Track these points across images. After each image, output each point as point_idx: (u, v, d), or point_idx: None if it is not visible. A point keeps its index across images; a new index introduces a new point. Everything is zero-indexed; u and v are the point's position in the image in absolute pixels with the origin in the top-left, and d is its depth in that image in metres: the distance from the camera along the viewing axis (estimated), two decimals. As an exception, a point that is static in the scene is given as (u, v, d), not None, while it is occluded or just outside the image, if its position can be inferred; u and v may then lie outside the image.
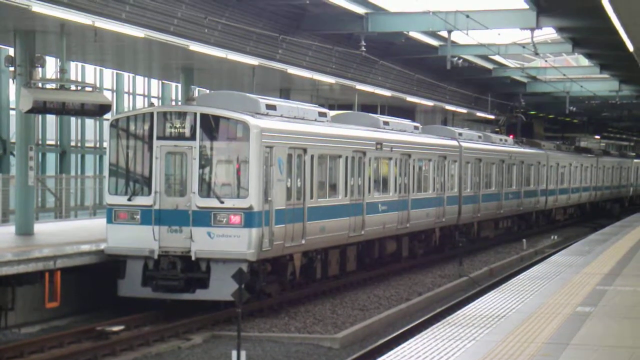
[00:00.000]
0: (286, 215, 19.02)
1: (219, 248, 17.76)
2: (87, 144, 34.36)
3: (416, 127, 29.12)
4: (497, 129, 50.20)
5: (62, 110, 20.64)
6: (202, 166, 18.06)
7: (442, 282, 25.27)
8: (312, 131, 20.75)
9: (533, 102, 51.83)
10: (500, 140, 38.44)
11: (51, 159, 32.44)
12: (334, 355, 16.06)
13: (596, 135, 73.10)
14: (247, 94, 20.38)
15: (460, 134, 32.98)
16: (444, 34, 29.01)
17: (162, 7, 21.72)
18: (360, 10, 26.82)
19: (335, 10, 26.71)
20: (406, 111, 42.13)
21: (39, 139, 30.89)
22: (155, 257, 17.98)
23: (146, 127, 18.32)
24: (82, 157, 34.17)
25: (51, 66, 26.18)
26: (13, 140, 23.50)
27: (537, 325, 11.87)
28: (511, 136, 42.93)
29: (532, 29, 26.94)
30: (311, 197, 20.25)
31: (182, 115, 18.19)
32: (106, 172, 19.09)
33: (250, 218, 17.77)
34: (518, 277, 17.33)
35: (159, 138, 18.20)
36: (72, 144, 33.27)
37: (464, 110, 45.59)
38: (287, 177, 19.14)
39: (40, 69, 21.44)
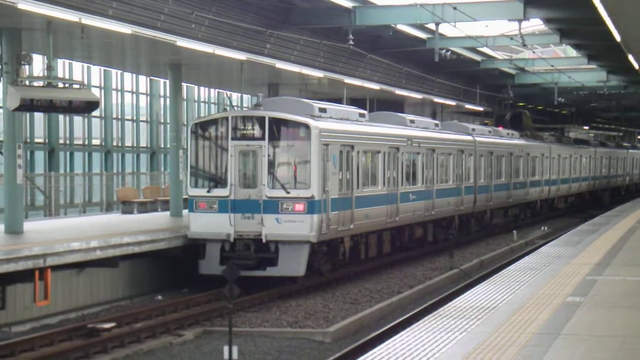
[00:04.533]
0: (339, 204, 21.85)
1: (286, 232, 20.58)
2: (75, 142, 34.21)
3: (436, 125, 32.03)
4: (486, 121, 50.51)
5: (50, 108, 20.54)
6: (270, 162, 20.85)
7: (433, 274, 25.30)
8: (358, 130, 23.78)
9: (522, 94, 51.89)
10: (508, 134, 41.17)
11: (39, 156, 32.27)
12: (325, 349, 16.07)
13: (585, 126, 73.24)
14: (303, 99, 23.60)
15: (473, 130, 35.99)
16: (432, 26, 29.01)
17: (148, 3, 21.64)
18: (347, 3, 26.80)
19: (323, 4, 26.67)
20: (395, 104, 42.11)
21: (27, 137, 30.72)
22: (231, 240, 20.79)
23: (222, 129, 21.17)
24: (71, 154, 34.01)
25: (38, 64, 26.07)
26: (1, 138, 23.41)
27: (527, 316, 11.89)
28: (500, 127, 43.29)
29: (520, 21, 26.96)
30: (357, 188, 23.10)
31: (253, 119, 21.04)
32: (187, 169, 22.05)
33: (312, 206, 20.61)
34: (508, 268, 17.35)
35: (233, 139, 21.05)
36: (61, 141, 33.13)
37: (452, 103, 45.62)
38: (339, 170, 21.93)
39: (27, 67, 21.36)
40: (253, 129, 20.91)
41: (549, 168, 45.81)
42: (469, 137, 34.21)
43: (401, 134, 26.96)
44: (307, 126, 20.86)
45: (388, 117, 28.37)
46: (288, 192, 20.65)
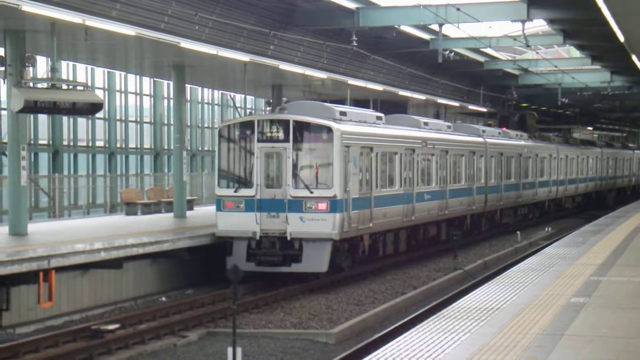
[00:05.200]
0: (359, 203, 22.77)
1: (310, 230, 21.45)
2: (79, 143, 34.26)
3: (448, 127, 33.31)
4: (490, 122, 50.55)
5: (54, 110, 20.57)
6: (294, 163, 21.76)
7: (437, 275, 25.29)
8: (376, 132, 24.84)
9: (525, 94, 51.85)
10: (517, 135, 42.33)
11: (44, 158, 32.32)
12: (329, 351, 16.07)
13: (588, 126, 73.20)
14: (324, 103, 24.68)
15: (483, 131, 37.29)
16: (435, 27, 28.98)
17: (152, 4, 21.66)
18: (351, 5, 26.80)
19: (326, 5, 26.68)
20: (399, 105, 42.10)
21: (31, 138, 30.78)
22: (257, 237, 21.67)
23: (248, 132, 22.06)
24: (75, 156, 34.07)
25: (42, 65, 26.09)
26: (5, 140, 23.43)
27: (531, 317, 11.89)
28: (503, 128, 43.42)
29: (523, 21, 26.95)
30: (376, 188, 24.08)
31: (278, 122, 21.95)
32: (215, 170, 22.77)
33: (334, 205, 21.53)
34: (512, 269, 17.34)
35: (259, 141, 21.92)
36: (65, 143, 33.17)
37: (456, 104, 45.61)
38: (359, 171, 22.86)
39: (31, 69, 21.35)
40: (278, 132, 21.83)
41: (556, 169, 46.87)
42: (480, 139, 35.21)
43: (416, 135, 27.99)
44: (329, 129, 21.77)
45: (403, 120, 29.40)
46: (311, 192, 21.54)
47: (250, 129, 21.98)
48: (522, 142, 41.70)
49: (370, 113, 26.29)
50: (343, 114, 23.68)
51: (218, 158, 22.53)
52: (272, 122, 21.98)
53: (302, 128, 21.83)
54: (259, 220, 21.67)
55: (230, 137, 22.31)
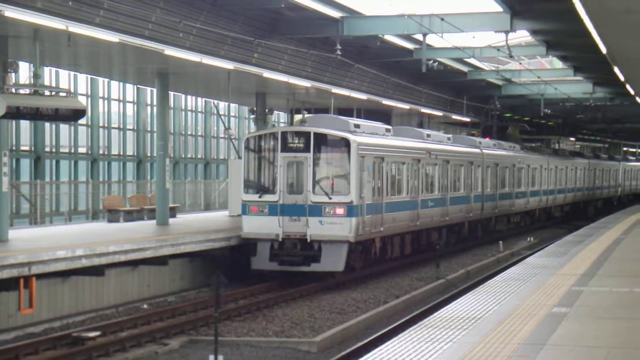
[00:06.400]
0: (372, 209, 24.74)
1: (328, 232, 23.38)
2: (61, 150, 34.09)
3: (448, 138, 35.39)
4: (473, 132, 50.76)
5: (36, 116, 20.46)
6: (314, 171, 23.75)
7: (419, 284, 25.31)
8: (387, 144, 26.99)
9: (508, 105, 52.06)
10: (510, 147, 44.55)
11: (25, 164, 32.13)
12: (312, 359, 16.03)
13: (571, 137, 73.55)
14: (339, 116, 26.76)
15: (480, 142, 39.43)
16: (419, 37, 29.04)
17: (136, 11, 21.60)
18: (335, 13, 26.82)
19: (311, 14, 26.69)
20: (382, 114, 42.15)
21: (12, 144, 30.60)
22: (280, 239, 23.57)
23: (272, 143, 24.08)
24: (57, 162, 33.89)
25: (25, 71, 25.98)
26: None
27: (513, 326, 11.90)
28: (487, 138, 43.74)
29: (507, 32, 27.04)
30: (387, 195, 26.08)
31: (300, 134, 24.00)
32: (241, 177, 24.61)
33: (351, 210, 23.43)
34: (494, 278, 17.37)
35: (282, 151, 23.94)
36: (47, 149, 33.00)
37: (439, 113, 45.72)
38: (372, 179, 24.78)
39: (13, 74, 21.23)
40: (300, 143, 23.80)
41: (547, 179, 48.75)
42: (478, 150, 37.23)
43: (421, 147, 30.09)
44: (347, 141, 23.79)
45: (408, 132, 31.48)
46: (330, 198, 23.46)
47: (274, 140, 23.92)
48: (516, 153, 43.81)
49: (379, 125, 28.14)
50: (357, 126, 25.66)
51: (244, 166, 24.33)
52: (294, 133, 23.94)
53: (321, 139, 23.73)
54: (282, 223, 23.50)
55: (255, 148, 24.26)
